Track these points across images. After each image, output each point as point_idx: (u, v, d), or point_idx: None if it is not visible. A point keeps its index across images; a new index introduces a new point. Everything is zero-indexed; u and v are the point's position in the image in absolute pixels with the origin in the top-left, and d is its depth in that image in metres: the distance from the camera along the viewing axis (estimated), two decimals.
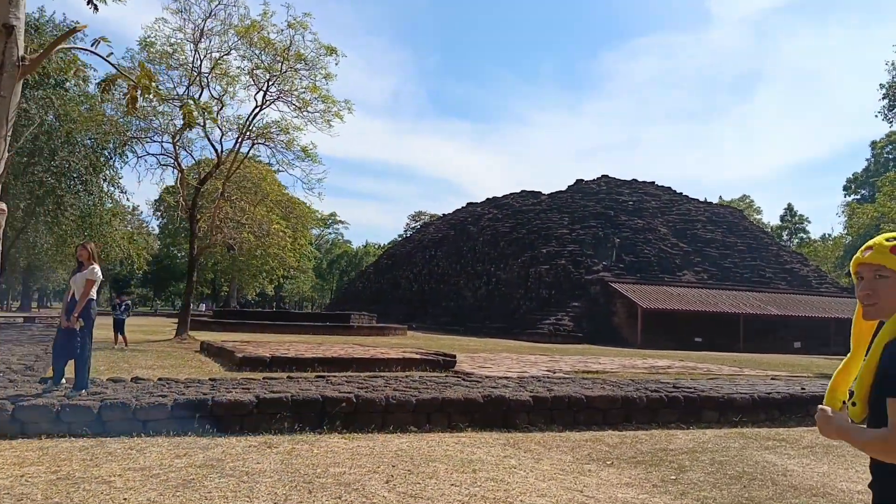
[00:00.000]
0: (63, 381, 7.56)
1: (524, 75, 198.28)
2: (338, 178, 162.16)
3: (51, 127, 19.97)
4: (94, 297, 7.43)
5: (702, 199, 58.13)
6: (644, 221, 48.77)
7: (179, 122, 21.51)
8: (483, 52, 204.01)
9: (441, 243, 60.70)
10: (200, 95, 21.79)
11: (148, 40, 20.49)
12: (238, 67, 21.96)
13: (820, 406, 1.90)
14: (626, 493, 5.21)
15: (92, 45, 6.68)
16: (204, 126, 21.85)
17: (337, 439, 6.70)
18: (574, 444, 7.09)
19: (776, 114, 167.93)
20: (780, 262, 49.30)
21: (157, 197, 31.00)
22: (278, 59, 20.91)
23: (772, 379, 12.93)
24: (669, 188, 58.71)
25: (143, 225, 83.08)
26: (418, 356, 14.88)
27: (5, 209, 5.62)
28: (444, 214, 73.31)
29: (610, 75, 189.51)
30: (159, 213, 64.20)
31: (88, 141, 21.89)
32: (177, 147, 21.64)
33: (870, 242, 1.89)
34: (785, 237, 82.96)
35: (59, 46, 6.83)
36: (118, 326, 17.31)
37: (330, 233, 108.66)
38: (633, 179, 59.07)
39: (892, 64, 35.81)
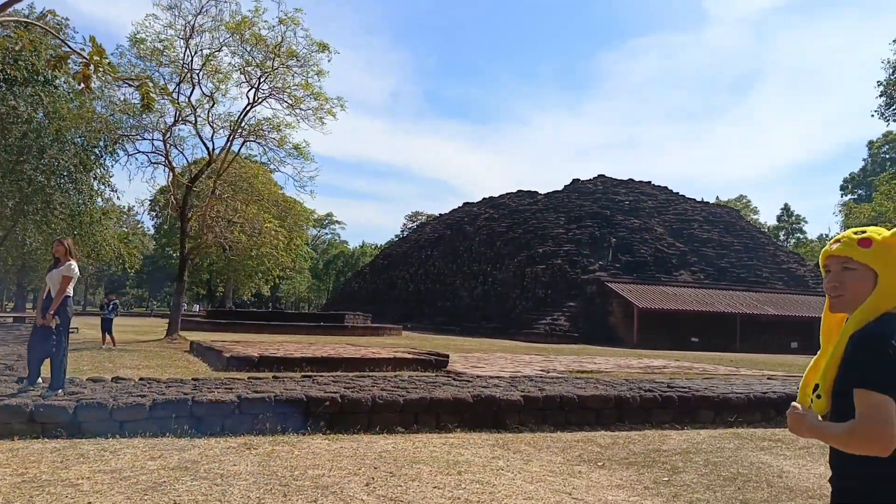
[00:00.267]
0: (39, 380, 7.35)
1: (523, 75, 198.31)
2: (335, 178, 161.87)
3: (40, 124, 19.72)
4: (71, 295, 7.22)
5: (698, 199, 58.06)
6: (640, 221, 48.65)
7: (170, 120, 21.34)
8: (482, 52, 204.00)
9: (437, 243, 60.51)
10: (192, 93, 21.60)
11: (138, 37, 20.26)
12: (229, 64, 21.78)
13: (793, 403, 1.86)
14: (616, 495, 5.02)
15: (38, 19, 6.43)
16: (195, 124, 21.66)
17: (320, 440, 6.50)
18: (565, 444, 6.91)
19: (774, 113, 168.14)
20: (776, 262, 49.21)
21: (150, 196, 30.59)
22: (270, 55, 20.71)
23: (768, 379, 12.76)
24: (666, 188, 58.64)
25: (139, 225, 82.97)
26: (410, 356, 14.68)
27: None
28: (440, 214, 73.11)
29: (608, 75, 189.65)
30: (153, 214, 63.90)
31: (79, 139, 21.66)
32: (167, 145, 21.42)
33: (838, 235, 1.90)
34: (782, 237, 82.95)
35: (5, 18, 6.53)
36: (106, 326, 17.10)
37: (326, 233, 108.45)
38: (630, 179, 58.99)
39: (890, 62, 35.73)
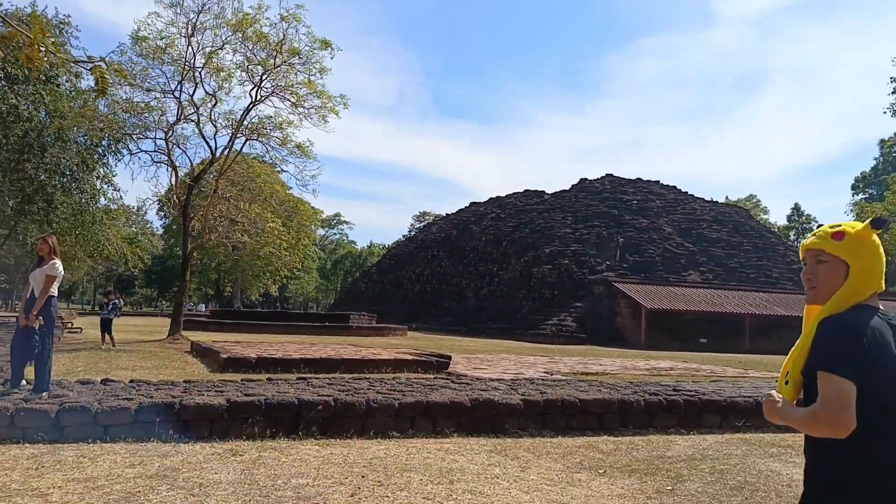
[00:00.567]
0: (24, 382, 7.15)
1: (528, 76, 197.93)
2: (343, 179, 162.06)
3: (41, 123, 19.61)
4: (55, 294, 7.01)
5: (707, 199, 57.50)
6: (648, 221, 48.21)
7: (172, 118, 21.17)
8: (487, 53, 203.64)
9: (443, 243, 60.24)
10: (194, 91, 21.44)
11: (140, 34, 20.10)
12: (231, 61, 21.59)
13: (769, 391, 1.92)
14: None
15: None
16: (198, 122, 21.48)
17: (310, 446, 6.26)
18: (566, 450, 6.65)
19: (782, 113, 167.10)
20: (787, 262, 48.66)
21: (153, 196, 30.49)
22: (272, 53, 20.51)
23: (777, 381, 12.44)
24: (674, 187, 58.12)
25: (147, 225, 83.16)
26: (411, 357, 14.44)
27: None
28: (447, 214, 72.81)
29: (613, 76, 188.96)
30: (161, 214, 63.98)
31: (81, 138, 21.54)
32: (169, 144, 21.26)
33: (816, 230, 1.96)
34: (792, 237, 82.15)
35: None
36: (105, 326, 16.93)
37: (335, 233, 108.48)
38: (638, 178, 58.50)
39: None
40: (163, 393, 7.29)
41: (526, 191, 62.06)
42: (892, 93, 36.50)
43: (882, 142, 68.72)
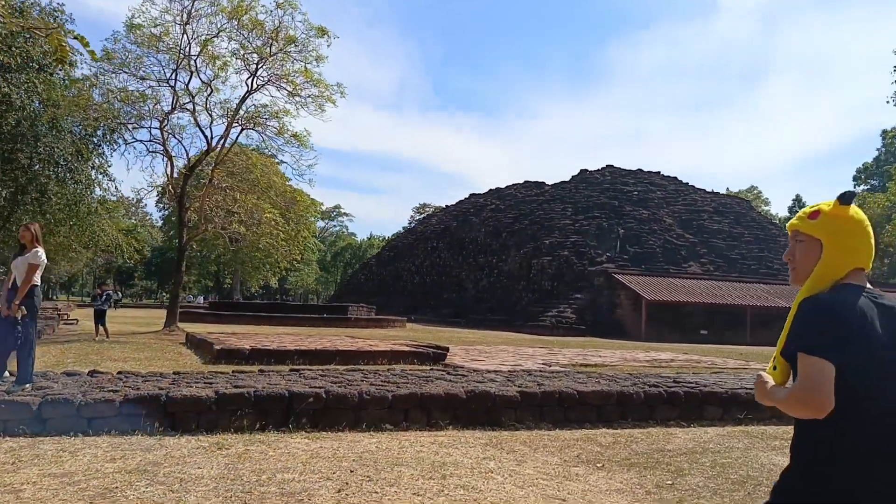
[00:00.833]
0: (6, 374, 6.96)
1: (530, 67, 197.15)
2: (343, 171, 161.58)
3: (34, 112, 19.35)
4: (38, 283, 6.81)
5: (708, 190, 57.23)
6: (649, 212, 47.97)
7: (167, 107, 20.92)
8: (487, 44, 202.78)
9: (443, 235, 60.03)
10: (190, 80, 21.17)
11: (134, 22, 19.83)
12: (226, 49, 21.33)
13: (759, 373, 1.91)
14: (614, 500, 4.60)
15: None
16: (193, 111, 21.24)
17: (300, 439, 6.09)
18: (563, 443, 6.47)
19: (783, 104, 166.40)
20: None
21: (148, 187, 30.21)
22: (268, 40, 20.24)
23: None
24: (675, 178, 57.83)
25: (147, 217, 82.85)
26: (408, 349, 14.26)
27: None
28: (446, 206, 72.51)
29: (616, 66, 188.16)
30: (161, 205, 63.72)
31: (76, 128, 21.29)
32: (165, 133, 21.02)
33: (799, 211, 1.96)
34: None
35: None
36: (99, 317, 16.76)
37: (335, 225, 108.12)
38: (639, 170, 58.19)
39: None
40: (150, 385, 7.11)
41: (526, 182, 61.75)
42: (895, 82, 36.16)
43: (884, 132, 68.35)
